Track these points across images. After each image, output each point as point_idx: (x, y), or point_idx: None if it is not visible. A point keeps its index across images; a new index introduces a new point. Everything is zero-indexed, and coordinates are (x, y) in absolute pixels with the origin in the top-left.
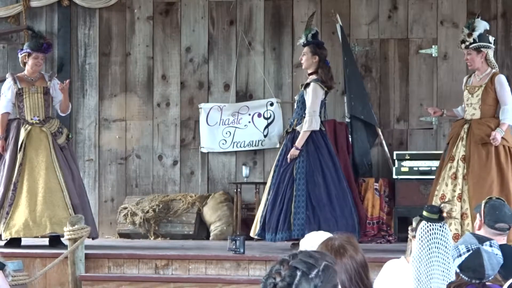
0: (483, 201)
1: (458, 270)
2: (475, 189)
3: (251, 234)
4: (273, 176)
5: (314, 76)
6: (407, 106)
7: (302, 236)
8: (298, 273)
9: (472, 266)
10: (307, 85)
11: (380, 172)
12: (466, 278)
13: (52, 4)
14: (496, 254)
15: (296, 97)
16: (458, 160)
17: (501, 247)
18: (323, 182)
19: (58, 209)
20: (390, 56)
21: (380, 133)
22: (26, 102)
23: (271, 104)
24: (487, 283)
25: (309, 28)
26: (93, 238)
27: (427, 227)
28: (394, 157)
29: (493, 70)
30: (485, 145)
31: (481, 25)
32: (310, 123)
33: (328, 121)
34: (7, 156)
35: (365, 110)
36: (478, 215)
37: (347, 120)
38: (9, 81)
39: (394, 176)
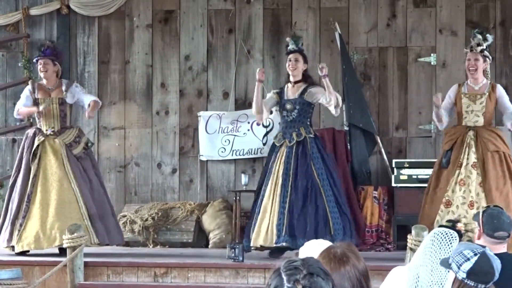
0: (481, 210)
1: (463, 276)
2: (494, 196)
3: (260, 243)
4: (285, 181)
5: (303, 84)
6: (406, 114)
7: (341, 240)
8: (318, 279)
9: (484, 268)
10: (305, 90)
11: (379, 180)
12: (472, 283)
13: (51, 12)
14: (496, 258)
15: (288, 106)
16: (468, 167)
17: (501, 255)
18: (341, 186)
19: (71, 221)
20: (389, 64)
21: (379, 141)
22: (42, 112)
23: (270, 112)
24: None
25: (296, 36)
26: (117, 245)
27: (438, 230)
28: (393, 165)
29: (489, 81)
30: (497, 153)
31: (490, 38)
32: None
33: (327, 129)
34: (22, 167)
35: (364, 118)
36: (476, 224)
37: (346, 128)
38: (28, 88)
39: (393, 184)
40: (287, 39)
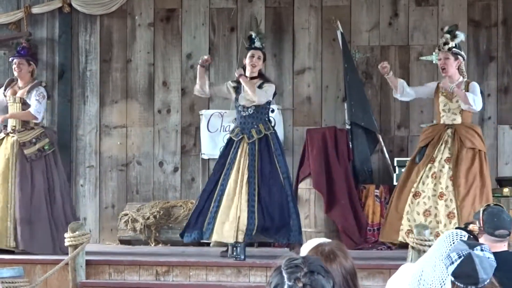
0: (481, 209)
1: (453, 279)
2: (462, 193)
3: (224, 240)
4: (251, 178)
5: (259, 80)
6: (407, 113)
7: (297, 238)
8: (319, 277)
9: (465, 271)
10: (260, 87)
11: (380, 178)
12: (461, 285)
13: (53, 10)
14: (488, 258)
15: (244, 102)
16: (440, 161)
17: (502, 254)
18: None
19: None
20: (391, 62)
21: (381, 139)
22: (9, 110)
23: (272, 111)
24: None
25: (262, 33)
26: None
27: (450, 232)
28: (395, 164)
29: (465, 79)
30: (472, 150)
31: (461, 35)
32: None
33: (329, 127)
34: None
35: (365, 117)
36: (477, 222)
37: (348, 126)
38: (1, 89)
39: (395, 183)
40: (252, 34)
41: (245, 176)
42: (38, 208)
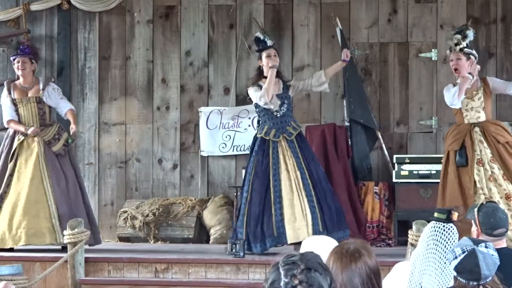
0: (475, 209)
1: (455, 273)
2: None
3: (303, 238)
4: (303, 174)
5: (278, 78)
6: (407, 110)
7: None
8: (315, 274)
9: (467, 267)
10: (286, 86)
11: (380, 175)
12: (464, 281)
13: (52, 7)
14: (492, 255)
15: (278, 101)
16: (488, 163)
17: (502, 251)
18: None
19: (39, 220)
20: (390, 59)
21: (380, 136)
22: (21, 112)
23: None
24: (486, 285)
25: (267, 31)
26: (90, 245)
27: (433, 226)
28: (394, 161)
29: (476, 77)
30: (507, 144)
31: (471, 35)
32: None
33: (328, 124)
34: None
35: (364, 114)
36: (473, 222)
37: (347, 123)
38: (5, 90)
39: (394, 180)
40: (259, 35)
41: (298, 174)
42: (76, 202)
